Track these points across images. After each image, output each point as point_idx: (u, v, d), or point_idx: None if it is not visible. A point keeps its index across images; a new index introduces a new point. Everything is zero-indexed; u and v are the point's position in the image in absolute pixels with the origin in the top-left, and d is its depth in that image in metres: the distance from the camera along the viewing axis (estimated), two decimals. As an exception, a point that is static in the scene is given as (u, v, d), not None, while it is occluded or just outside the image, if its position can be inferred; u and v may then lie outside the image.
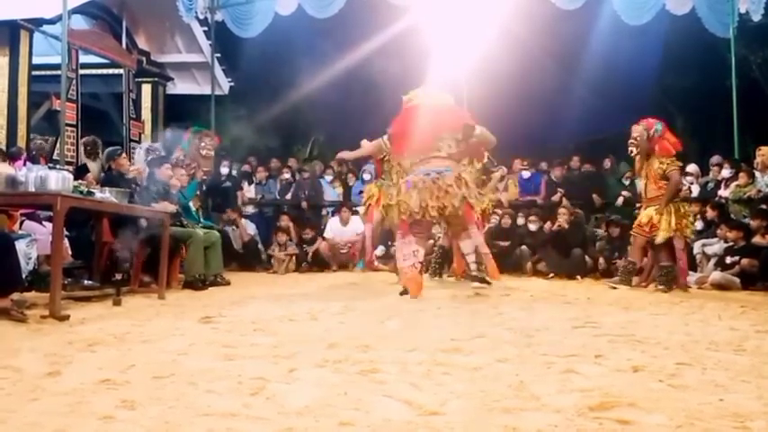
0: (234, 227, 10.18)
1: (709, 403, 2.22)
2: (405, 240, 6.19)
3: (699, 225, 8.86)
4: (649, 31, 12.08)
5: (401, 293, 5.99)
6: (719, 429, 1.93)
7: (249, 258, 10.38)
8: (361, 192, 11.52)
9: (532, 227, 9.72)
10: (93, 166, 8.36)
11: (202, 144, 8.93)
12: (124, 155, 7.75)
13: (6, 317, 4.04)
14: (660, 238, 7.18)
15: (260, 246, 10.76)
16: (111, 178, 7.09)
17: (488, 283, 6.56)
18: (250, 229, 10.65)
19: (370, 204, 7.89)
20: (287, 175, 11.85)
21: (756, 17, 10.52)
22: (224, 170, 11.00)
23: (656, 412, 2.10)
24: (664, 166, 7.15)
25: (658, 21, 11.19)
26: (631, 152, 7.44)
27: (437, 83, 6.83)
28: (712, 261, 8.17)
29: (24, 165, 6.99)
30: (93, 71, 11.46)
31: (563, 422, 2.00)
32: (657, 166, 7.19)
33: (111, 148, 7.88)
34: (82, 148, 9.15)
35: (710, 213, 8.73)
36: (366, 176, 11.63)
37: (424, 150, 6.15)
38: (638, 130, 7.29)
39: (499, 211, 9.63)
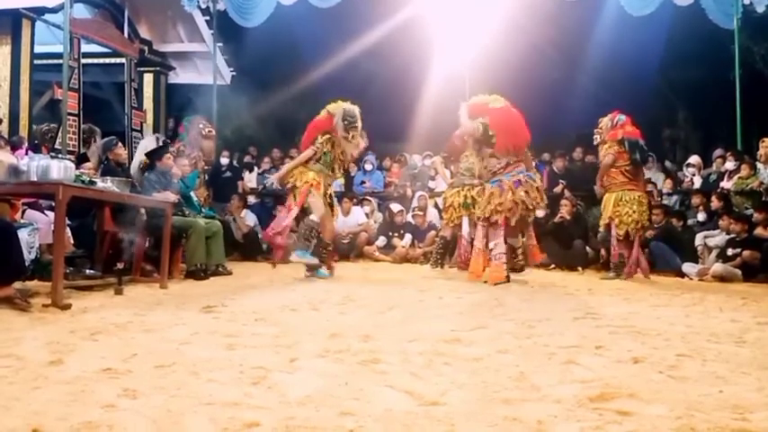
0: (233, 219, 10.16)
1: (710, 395, 2.22)
2: (499, 237, 6.52)
3: (701, 216, 8.91)
4: (653, 22, 12.02)
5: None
6: (719, 421, 1.93)
7: (250, 248, 10.39)
8: (362, 182, 11.54)
9: (539, 212, 9.75)
10: (89, 154, 8.36)
11: (201, 126, 8.91)
12: (120, 144, 7.75)
13: (10, 305, 4.05)
14: (600, 224, 7.71)
15: (260, 235, 10.76)
16: (108, 169, 7.10)
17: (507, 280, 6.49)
18: (249, 219, 10.64)
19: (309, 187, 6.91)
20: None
21: (761, 8, 10.47)
22: (224, 160, 10.98)
23: (657, 403, 2.11)
24: (603, 150, 7.56)
25: (662, 12, 11.14)
26: (595, 140, 7.84)
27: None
28: (714, 253, 8.17)
29: (26, 154, 6.99)
30: (95, 60, 11.42)
31: (563, 413, 2.01)
32: (601, 149, 7.64)
33: (106, 139, 7.88)
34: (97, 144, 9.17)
35: (715, 204, 8.73)
36: (368, 166, 11.64)
37: (516, 154, 6.62)
38: (603, 121, 7.68)
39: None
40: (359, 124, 7.12)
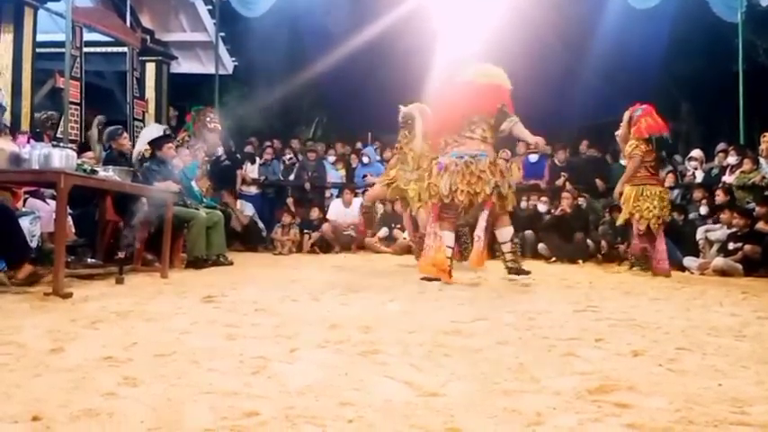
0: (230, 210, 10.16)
1: (709, 388, 2.22)
2: (433, 226, 5.86)
3: (703, 210, 8.92)
4: (656, 15, 11.99)
5: (423, 279, 5.73)
6: (718, 414, 1.94)
7: (251, 239, 10.41)
8: (364, 175, 11.52)
9: (542, 207, 9.77)
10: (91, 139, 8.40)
11: (207, 119, 8.90)
12: (125, 134, 7.75)
13: (32, 284, 4.40)
14: (620, 219, 7.57)
15: (260, 225, 10.77)
16: (111, 158, 7.11)
17: (527, 272, 5.83)
18: (248, 210, 10.64)
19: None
20: (290, 156, 11.86)
21: (764, 2, 10.45)
22: (219, 149, 10.94)
23: (656, 396, 2.11)
24: (630, 148, 7.34)
25: (666, 4, 11.11)
26: (616, 135, 7.78)
27: (488, 59, 6.15)
28: (715, 247, 8.18)
29: (28, 142, 6.99)
30: (98, 49, 11.41)
31: (562, 405, 2.01)
32: (627, 147, 7.43)
33: (111, 128, 7.89)
34: (95, 129, 9.15)
35: (721, 198, 8.73)
36: (365, 159, 11.62)
37: (457, 130, 5.80)
38: (626, 115, 7.56)
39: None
40: (412, 123, 7.34)
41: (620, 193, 7.46)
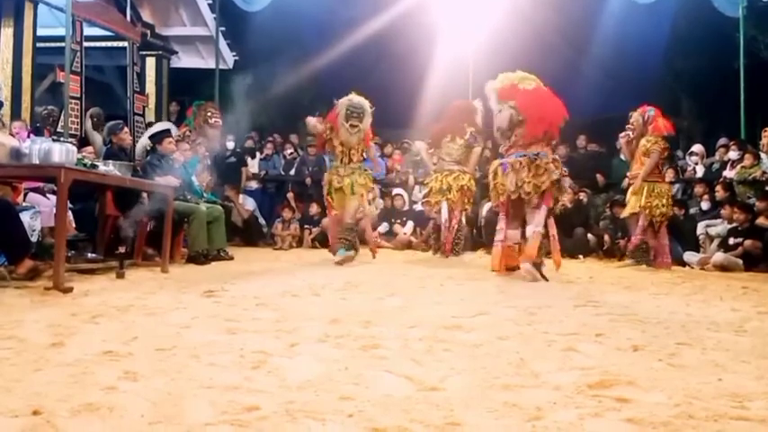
0: (231, 203, 10.15)
1: (709, 383, 2.22)
2: (501, 219, 6.26)
3: (705, 205, 8.91)
4: (658, 10, 11.97)
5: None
6: (718, 409, 1.94)
7: (252, 234, 10.40)
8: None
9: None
10: (99, 138, 8.37)
11: (209, 114, 8.89)
12: (126, 129, 7.75)
13: (36, 276, 4.44)
14: (624, 212, 7.78)
15: (260, 220, 10.77)
16: (111, 152, 7.11)
17: (544, 278, 5.70)
18: (249, 204, 10.63)
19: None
20: (291, 151, 11.85)
21: (766, -3, 10.43)
22: (230, 144, 10.92)
23: (655, 391, 2.11)
24: (648, 144, 7.51)
25: (667, -1, 11.09)
26: (627, 135, 7.86)
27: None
28: (716, 242, 8.17)
29: (28, 137, 6.99)
30: (98, 44, 11.38)
31: (562, 399, 2.01)
32: (643, 143, 7.56)
33: (112, 123, 7.88)
34: (89, 121, 9.13)
35: (720, 194, 8.74)
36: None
37: (542, 136, 6.07)
38: (634, 116, 7.74)
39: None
40: (363, 115, 7.39)
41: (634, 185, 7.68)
